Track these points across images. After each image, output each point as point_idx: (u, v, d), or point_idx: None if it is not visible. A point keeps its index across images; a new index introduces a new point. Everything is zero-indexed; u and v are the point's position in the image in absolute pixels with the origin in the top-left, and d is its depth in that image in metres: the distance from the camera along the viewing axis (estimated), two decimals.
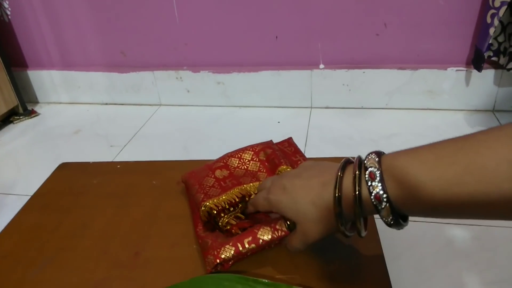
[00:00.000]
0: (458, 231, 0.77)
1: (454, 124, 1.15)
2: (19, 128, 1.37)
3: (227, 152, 0.62)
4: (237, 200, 0.52)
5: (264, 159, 0.60)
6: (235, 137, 1.16)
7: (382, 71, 1.19)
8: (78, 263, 0.49)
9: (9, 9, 1.35)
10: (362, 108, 1.27)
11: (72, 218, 0.57)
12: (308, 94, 1.28)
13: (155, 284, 0.45)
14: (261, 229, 0.46)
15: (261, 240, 0.45)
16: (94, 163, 0.71)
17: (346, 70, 1.21)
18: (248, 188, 0.54)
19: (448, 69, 1.15)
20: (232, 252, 0.45)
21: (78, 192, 0.63)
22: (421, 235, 0.77)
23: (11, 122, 1.41)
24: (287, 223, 0.45)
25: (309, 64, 1.24)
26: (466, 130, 1.12)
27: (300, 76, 1.25)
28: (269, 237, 0.45)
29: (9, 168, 1.14)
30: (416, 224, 0.79)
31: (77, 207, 0.59)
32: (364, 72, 1.20)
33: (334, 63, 1.22)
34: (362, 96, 1.24)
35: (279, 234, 0.45)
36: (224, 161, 0.60)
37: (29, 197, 0.62)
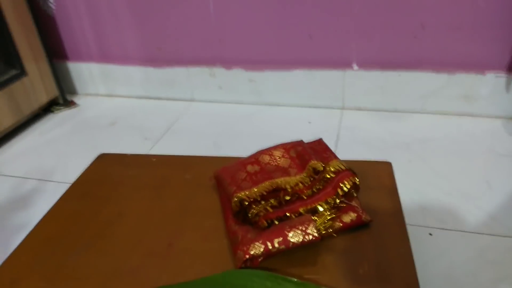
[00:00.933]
0: (490, 242, 0.76)
1: (490, 131, 1.12)
2: (59, 118, 1.43)
3: (258, 150, 0.63)
4: (268, 192, 0.54)
5: (295, 156, 0.61)
6: (265, 136, 1.18)
7: (418, 73, 1.17)
8: (114, 250, 0.52)
9: (54, 3, 1.41)
10: (395, 111, 1.25)
11: (109, 207, 0.60)
12: (340, 95, 1.27)
13: (187, 275, 0.47)
14: (292, 231, 0.47)
15: (291, 243, 0.46)
16: (131, 155, 0.73)
17: (381, 71, 1.20)
18: (279, 182, 0.55)
19: (487, 74, 1.11)
20: (262, 249, 0.46)
21: (116, 182, 0.66)
22: (451, 244, 0.76)
23: (51, 111, 1.47)
24: (318, 228, 0.46)
25: (343, 64, 1.23)
26: (504, 137, 1.09)
27: (332, 76, 1.24)
28: (300, 240, 0.46)
29: (49, 156, 1.19)
30: (447, 233, 0.78)
31: (114, 196, 0.62)
32: (399, 75, 1.19)
33: (368, 64, 1.21)
34: (396, 98, 1.23)
35: (310, 238, 0.46)
36: (256, 157, 0.62)
37: (67, 184, 0.66)
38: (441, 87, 1.16)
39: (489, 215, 0.81)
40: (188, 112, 1.38)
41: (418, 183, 0.92)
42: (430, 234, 0.77)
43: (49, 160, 1.17)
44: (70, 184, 0.66)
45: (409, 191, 0.90)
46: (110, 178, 0.67)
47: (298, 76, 1.27)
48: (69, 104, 1.50)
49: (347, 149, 1.08)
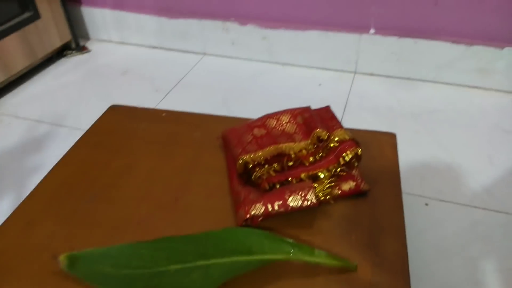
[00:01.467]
0: (484, 216, 0.78)
1: (500, 107, 1.11)
2: (71, 62, 1.44)
3: (266, 112, 0.64)
4: (272, 157, 0.56)
5: (301, 122, 0.62)
6: (275, 96, 1.18)
7: (435, 42, 1.15)
8: (124, 200, 0.55)
9: None
10: (408, 79, 1.24)
11: (120, 158, 0.63)
12: (354, 59, 1.26)
13: (191, 229, 0.50)
14: (292, 196, 0.49)
15: (290, 207, 0.49)
16: (141, 108, 0.75)
17: (398, 37, 1.18)
18: (283, 147, 0.57)
19: (505, 48, 1.09)
20: (262, 210, 0.49)
21: (126, 135, 0.68)
22: (446, 215, 0.79)
23: (64, 56, 1.48)
24: (316, 194, 0.48)
25: (359, 27, 1.21)
26: None
27: (347, 39, 1.22)
28: (298, 205, 0.49)
29: (61, 101, 1.22)
30: (443, 204, 0.80)
31: (125, 148, 0.65)
32: (415, 42, 1.16)
33: (385, 29, 1.19)
34: (410, 66, 1.21)
35: (308, 204, 0.49)
36: (263, 121, 0.63)
37: (79, 131, 0.68)
38: (457, 58, 1.15)
39: (486, 190, 0.83)
40: (199, 66, 1.38)
41: (421, 154, 0.93)
42: (426, 204, 0.80)
43: (62, 105, 1.19)
44: (82, 131, 0.69)
45: (411, 161, 0.91)
46: (121, 130, 0.69)
47: (313, 37, 1.25)
48: (82, 49, 1.51)
49: (355, 115, 1.08)
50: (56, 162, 0.62)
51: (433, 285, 0.65)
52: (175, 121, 0.71)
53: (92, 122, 0.71)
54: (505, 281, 0.65)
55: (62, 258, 0.45)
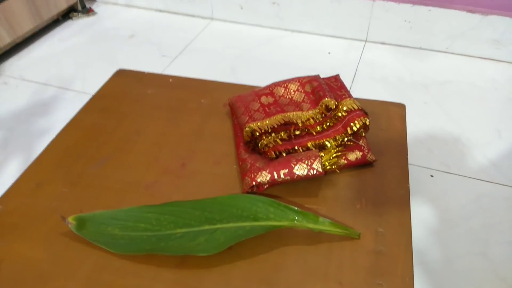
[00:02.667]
0: (489, 189, 0.78)
1: None
2: (78, 25, 1.42)
3: (273, 80, 0.64)
4: (279, 125, 0.55)
5: (310, 91, 0.61)
6: (283, 63, 1.16)
7: (449, 11, 1.11)
8: (132, 165, 0.56)
9: None
10: (420, 48, 1.21)
11: (127, 124, 0.63)
12: (365, 27, 1.23)
13: (197, 194, 0.51)
14: (298, 165, 0.49)
15: (296, 175, 0.49)
16: (148, 73, 0.74)
17: (411, 5, 1.14)
18: (290, 116, 0.57)
19: None
20: (268, 178, 0.49)
21: (133, 100, 0.68)
22: (451, 187, 0.79)
23: (70, 18, 1.45)
24: (323, 163, 0.49)
25: None
26: None
27: (360, 6, 1.19)
28: (304, 173, 0.49)
29: (68, 64, 1.21)
30: (448, 176, 0.80)
31: (132, 114, 0.65)
32: (430, 10, 1.13)
33: None
34: (422, 35, 1.18)
35: (314, 173, 0.49)
36: (270, 89, 0.62)
37: (86, 95, 0.68)
38: (472, 28, 1.11)
39: (492, 163, 0.83)
40: (207, 30, 1.35)
41: (429, 125, 0.92)
42: (432, 176, 0.80)
43: (68, 69, 1.19)
44: (88, 95, 0.69)
45: (418, 132, 0.91)
46: (128, 95, 0.69)
47: (324, 3, 1.22)
48: (88, 11, 1.48)
49: (364, 85, 1.07)
50: (63, 125, 0.63)
51: (436, 256, 0.66)
52: (182, 87, 0.71)
53: (99, 86, 0.71)
54: (508, 253, 0.66)
55: (71, 220, 0.46)
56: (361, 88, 1.06)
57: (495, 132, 0.92)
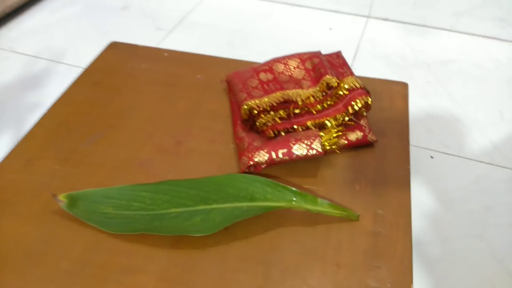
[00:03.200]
0: (488, 171, 0.78)
1: None
2: None
3: (272, 56, 0.62)
4: (278, 103, 0.54)
5: (310, 68, 0.60)
6: (282, 39, 1.14)
7: None
8: (125, 142, 0.54)
9: None
10: (424, 25, 1.19)
11: (121, 99, 0.61)
12: (368, 2, 1.20)
13: (193, 173, 0.50)
14: (298, 144, 0.48)
15: (295, 155, 0.48)
16: (143, 47, 0.72)
17: None
18: (290, 93, 0.56)
19: None
20: (266, 158, 0.49)
21: (127, 74, 0.66)
22: (450, 169, 0.79)
23: None
24: (322, 143, 0.48)
25: None
26: None
27: None
28: (304, 153, 0.48)
29: (59, 36, 1.18)
30: (448, 157, 0.80)
31: (126, 88, 0.63)
32: None
33: None
34: (427, 12, 1.16)
35: (314, 153, 0.48)
36: (270, 65, 0.61)
37: (78, 68, 0.66)
38: (478, 5, 1.09)
39: (493, 145, 0.82)
40: (204, 3, 1.31)
41: (430, 105, 0.91)
42: (431, 157, 0.79)
43: (60, 41, 1.16)
44: (81, 68, 0.67)
45: (419, 112, 0.90)
46: (122, 69, 0.67)
47: None
48: None
49: (365, 62, 1.05)
50: (55, 99, 0.61)
51: (434, 237, 0.66)
52: (178, 62, 0.69)
53: (92, 59, 0.68)
54: (506, 236, 0.66)
55: (62, 197, 0.45)
56: (363, 66, 1.04)
57: (497, 113, 0.91)
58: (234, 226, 0.43)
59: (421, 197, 0.72)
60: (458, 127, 0.87)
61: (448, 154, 0.81)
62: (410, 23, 1.19)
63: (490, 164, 0.80)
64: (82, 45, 1.14)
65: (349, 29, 1.18)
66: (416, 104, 0.85)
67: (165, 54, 0.71)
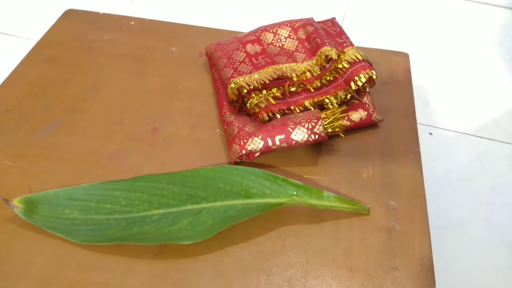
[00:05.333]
0: (491, 147, 0.76)
1: None
2: None
3: (255, 23, 0.56)
4: (270, 80, 0.49)
5: (304, 37, 0.54)
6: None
7: None
8: (90, 130, 0.48)
9: None
10: None
11: (82, 77, 0.54)
12: None
13: (174, 165, 0.44)
14: (297, 129, 0.43)
15: (294, 141, 0.43)
16: (104, 14, 0.64)
17: None
18: (284, 69, 0.50)
19: None
20: (261, 146, 0.43)
21: (88, 47, 0.59)
22: (451, 146, 0.76)
23: None
24: (325, 127, 0.43)
25: None
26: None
27: None
28: (304, 138, 0.43)
29: (3, 2, 1.06)
30: (448, 134, 0.77)
31: (87, 65, 0.56)
32: None
33: None
34: None
35: (316, 138, 0.43)
36: (257, 35, 0.55)
37: (28, 41, 0.58)
38: None
39: (493, 119, 0.80)
40: None
41: (427, 77, 0.88)
42: (430, 134, 0.76)
43: (5, 8, 1.04)
44: (31, 41, 0.58)
45: (414, 84, 0.86)
46: (81, 41, 0.60)
47: None
48: None
49: (356, 27, 0.99)
50: (1, 81, 0.53)
51: (439, 222, 0.63)
52: (148, 32, 0.62)
53: (44, 31, 0.60)
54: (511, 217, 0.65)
55: (17, 202, 0.39)
56: (354, 32, 0.99)
57: (498, 88, 0.89)
58: (229, 227, 0.38)
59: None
60: (456, 101, 0.85)
61: (448, 130, 0.79)
62: None
63: (492, 139, 0.78)
64: (32, 13, 1.03)
65: None
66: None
67: (132, 22, 0.63)
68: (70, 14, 0.64)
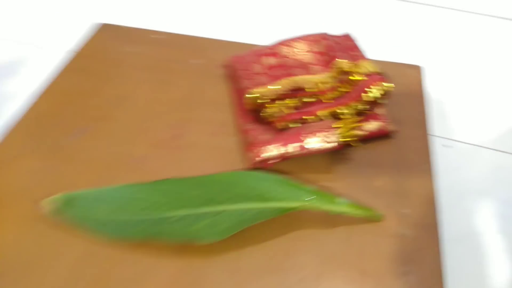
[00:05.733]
0: (508, 160, 0.77)
1: None
2: None
3: (276, 39, 0.59)
4: (285, 91, 0.51)
5: (319, 51, 0.57)
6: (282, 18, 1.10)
7: None
8: (117, 136, 0.51)
9: None
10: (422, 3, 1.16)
11: (110, 88, 0.57)
12: None
13: (194, 170, 0.46)
14: (312, 137, 0.45)
15: (308, 149, 0.45)
16: (131, 28, 0.68)
17: None
18: (298, 80, 0.53)
19: None
20: (276, 153, 0.46)
21: (114, 59, 0.62)
22: (467, 159, 0.77)
23: None
24: (340, 135, 0.45)
25: None
26: None
27: None
28: (318, 147, 0.45)
29: (32, 16, 1.12)
30: (464, 146, 0.78)
31: (114, 76, 0.59)
32: None
33: None
34: None
35: (330, 146, 0.45)
36: (273, 48, 0.58)
37: (54, 52, 0.62)
38: None
39: (510, 131, 0.81)
40: None
41: (444, 91, 0.89)
42: (445, 146, 0.77)
43: (33, 19, 1.10)
44: (59, 53, 0.62)
45: (431, 98, 0.87)
46: (109, 53, 0.63)
47: None
48: None
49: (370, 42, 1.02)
50: (32, 89, 0.57)
51: (456, 234, 0.64)
52: (171, 45, 0.65)
53: (75, 43, 0.64)
54: None
55: (48, 202, 0.42)
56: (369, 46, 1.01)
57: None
58: (245, 229, 0.40)
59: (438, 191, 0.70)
60: (474, 113, 0.85)
61: (464, 142, 0.79)
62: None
63: (507, 153, 0.78)
64: (58, 25, 1.08)
65: None
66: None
67: (152, 36, 0.67)
68: (103, 29, 0.68)
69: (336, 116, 0.50)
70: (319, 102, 0.52)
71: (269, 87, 0.51)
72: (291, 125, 0.49)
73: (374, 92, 0.50)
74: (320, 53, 0.57)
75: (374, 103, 0.51)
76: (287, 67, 0.55)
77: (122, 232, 0.40)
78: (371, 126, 0.51)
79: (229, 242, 0.40)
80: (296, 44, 0.58)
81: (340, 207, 0.42)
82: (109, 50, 0.63)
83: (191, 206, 0.42)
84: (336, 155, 0.49)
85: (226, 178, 0.44)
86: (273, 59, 0.57)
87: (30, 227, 0.42)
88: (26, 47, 1.02)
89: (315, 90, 0.53)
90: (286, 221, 0.42)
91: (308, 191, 0.42)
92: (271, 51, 0.58)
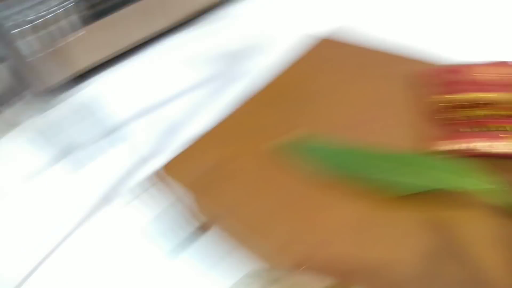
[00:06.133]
0: None
1: None
2: None
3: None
4: (469, 102, 0.60)
5: (506, 74, 0.63)
6: None
7: None
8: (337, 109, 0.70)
9: None
10: None
11: (326, 83, 0.77)
12: None
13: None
14: (504, 141, 0.53)
15: (497, 151, 0.53)
16: (352, 44, 0.85)
17: None
18: (483, 96, 0.60)
19: None
20: (463, 147, 0.56)
21: (337, 66, 0.80)
22: None
23: None
24: None
25: None
26: None
27: None
28: (508, 151, 0.52)
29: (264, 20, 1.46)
30: None
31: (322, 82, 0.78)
32: None
33: None
34: None
35: None
36: (467, 67, 0.66)
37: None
38: None
39: None
40: None
41: None
42: None
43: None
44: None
45: None
46: (329, 63, 0.82)
47: None
48: None
49: None
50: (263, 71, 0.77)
51: None
52: (365, 56, 0.81)
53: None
54: None
55: (288, 138, 0.62)
56: None
57: None
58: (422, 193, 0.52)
59: None
60: None
61: None
62: None
63: None
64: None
65: None
66: None
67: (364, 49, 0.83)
68: (322, 44, 0.87)
69: None
70: (502, 117, 0.59)
71: (453, 96, 0.61)
72: (476, 129, 0.58)
73: None
74: (508, 76, 0.64)
75: None
76: (476, 83, 0.64)
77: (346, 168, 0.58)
78: None
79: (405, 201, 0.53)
80: (491, 68, 0.66)
81: None
82: (329, 60, 0.82)
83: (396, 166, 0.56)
84: None
85: (421, 157, 0.57)
86: (465, 76, 0.66)
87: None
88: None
89: (498, 106, 0.60)
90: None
91: (487, 181, 0.50)
92: (464, 68, 0.67)
